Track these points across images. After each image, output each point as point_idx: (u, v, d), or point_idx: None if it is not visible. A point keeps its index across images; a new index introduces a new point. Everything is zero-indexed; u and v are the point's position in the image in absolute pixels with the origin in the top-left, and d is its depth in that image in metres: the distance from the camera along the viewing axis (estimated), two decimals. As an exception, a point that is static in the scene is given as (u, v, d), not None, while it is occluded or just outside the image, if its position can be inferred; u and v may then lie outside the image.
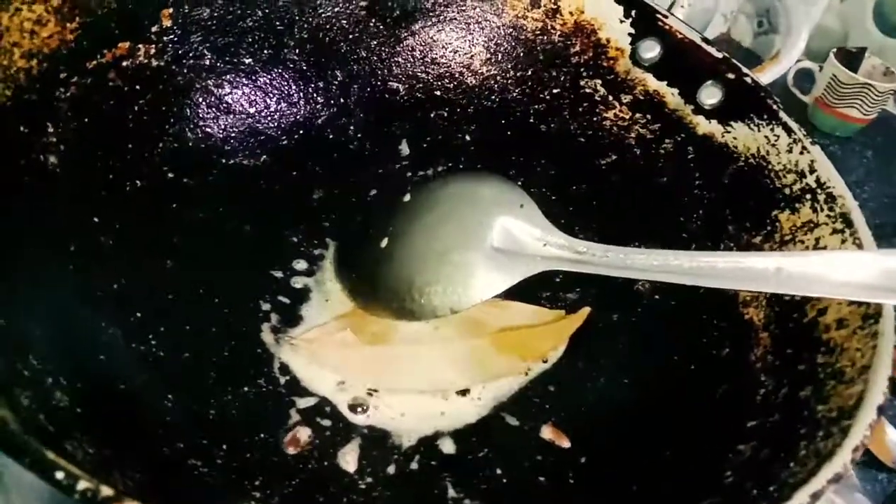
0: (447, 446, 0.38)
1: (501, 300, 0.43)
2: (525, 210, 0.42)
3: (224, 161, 0.45)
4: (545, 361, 0.43)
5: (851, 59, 0.80)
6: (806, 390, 0.33)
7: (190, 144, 0.44)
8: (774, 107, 0.42)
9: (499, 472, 0.37)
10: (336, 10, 0.49)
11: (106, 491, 0.20)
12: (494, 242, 0.41)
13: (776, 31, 0.95)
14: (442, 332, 0.42)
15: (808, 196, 0.40)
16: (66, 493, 0.20)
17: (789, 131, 0.41)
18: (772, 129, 0.42)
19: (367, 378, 0.40)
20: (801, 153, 0.41)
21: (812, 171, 0.40)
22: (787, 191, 0.41)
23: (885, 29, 0.88)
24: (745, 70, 0.44)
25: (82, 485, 0.20)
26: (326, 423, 0.38)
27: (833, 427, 0.29)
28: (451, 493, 0.36)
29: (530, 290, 0.44)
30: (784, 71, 0.68)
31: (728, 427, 0.35)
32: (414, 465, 0.37)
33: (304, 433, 0.38)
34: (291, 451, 0.37)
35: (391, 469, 0.37)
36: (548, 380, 0.42)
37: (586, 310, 0.44)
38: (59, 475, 0.20)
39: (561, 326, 0.44)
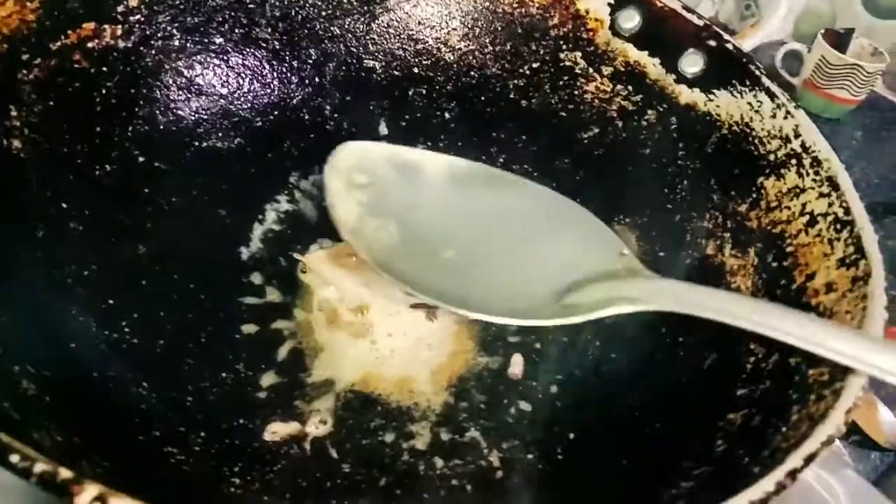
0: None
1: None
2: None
3: (197, 144, 0.44)
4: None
5: (840, 40, 0.80)
6: (796, 356, 0.32)
7: (161, 127, 0.43)
8: (757, 73, 0.41)
9: (485, 449, 0.37)
10: (308, -14, 0.48)
11: (65, 473, 0.19)
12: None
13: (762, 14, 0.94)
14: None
15: (794, 161, 0.39)
16: (22, 477, 0.19)
17: (772, 96, 0.41)
18: (755, 96, 0.41)
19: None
20: (786, 118, 0.40)
21: (797, 135, 0.39)
22: (771, 157, 0.40)
23: (873, 10, 0.88)
24: (726, 37, 0.43)
25: (39, 467, 0.19)
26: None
27: (825, 390, 0.28)
28: (440, 471, 0.35)
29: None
30: (765, 39, 0.67)
31: (717, 397, 0.34)
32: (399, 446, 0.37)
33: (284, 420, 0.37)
34: (272, 438, 0.36)
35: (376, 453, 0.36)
36: (534, 356, 0.42)
37: None
38: (14, 458, 0.19)
39: None
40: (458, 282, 0.38)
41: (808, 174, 0.38)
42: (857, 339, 0.28)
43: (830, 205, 0.36)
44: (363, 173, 0.42)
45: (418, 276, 0.38)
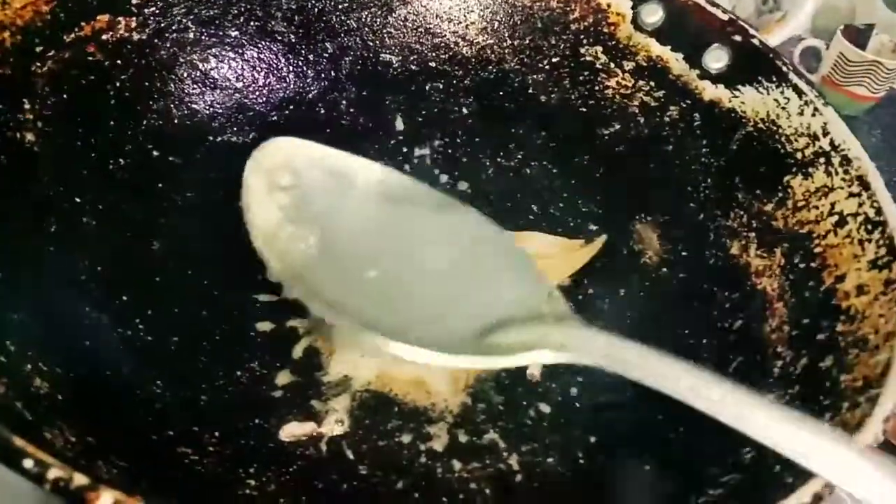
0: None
1: (523, 232, 0.44)
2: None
3: (211, 138, 0.44)
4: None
5: (859, 36, 0.78)
6: (827, 360, 0.31)
7: (175, 121, 0.42)
8: (784, 68, 0.41)
9: (504, 452, 0.36)
10: (325, -22, 0.47)
11: (79, 479, 0.18)
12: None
13: (780, 9, 0.93)
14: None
15: (822, 160, 0.38)
16: (36, 482, 0.18)
17: (800, 93, 0.40)
18: (781, 92, 0.40)
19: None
20: (814, 115, 0.39)
21: (825, 133, 0.38)
22: (799, 155, 0.39)
23: (893, 5, 0.86)
24: (752, 31, 0.42)
25: (53, 473, 0.18)
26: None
27: (859, 397, 0.27)
28: (458, 474, 0.35)
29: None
30: (792, 34, 0.66)
31: (744, 401, 0.33)
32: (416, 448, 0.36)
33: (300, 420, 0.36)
34: (287, 438, 0.35)
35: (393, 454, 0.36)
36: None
37: (603, 238, 0.43)
38: (28, 463, 0.18)
39: (578, 254, 0.43)
40: (377, 305, 0.34)
41: (836, 173, 0.37)
42: (796, 424, 0.24)
43: (861, 205, 0.35)
44: (289, 174, 0.38)
45: (334, 294, 0.34)
